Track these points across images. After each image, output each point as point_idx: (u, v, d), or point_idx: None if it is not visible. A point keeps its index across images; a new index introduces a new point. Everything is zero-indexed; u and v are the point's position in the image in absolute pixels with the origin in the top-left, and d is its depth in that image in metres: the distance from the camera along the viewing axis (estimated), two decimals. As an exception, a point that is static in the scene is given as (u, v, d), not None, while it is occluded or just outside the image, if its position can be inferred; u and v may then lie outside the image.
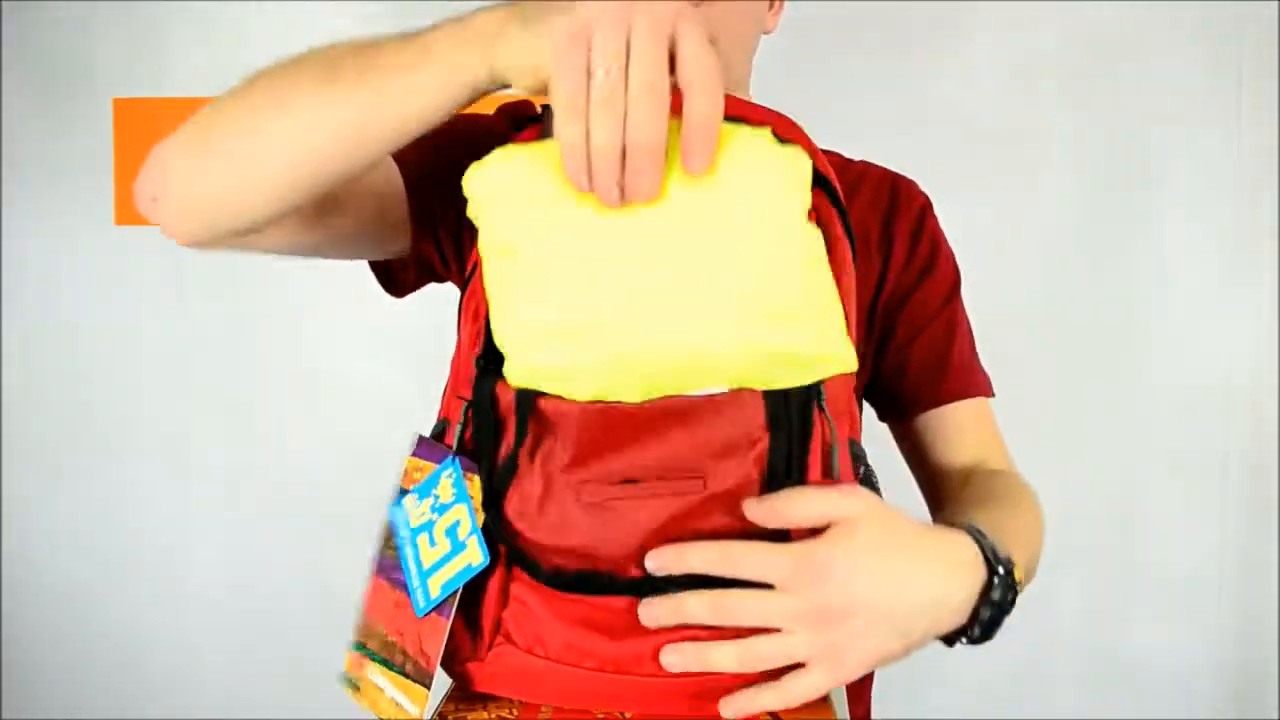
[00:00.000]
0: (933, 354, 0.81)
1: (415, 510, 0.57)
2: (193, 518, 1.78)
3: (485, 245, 0.52)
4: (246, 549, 1.77)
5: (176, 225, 0.61)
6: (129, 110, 1.73)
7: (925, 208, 0.84)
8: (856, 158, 0.86)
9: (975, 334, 0.86)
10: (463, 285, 0.59)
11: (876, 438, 0.74)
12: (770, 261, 0.50)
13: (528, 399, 0.51)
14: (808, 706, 0.53)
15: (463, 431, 0.56)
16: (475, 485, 0.54)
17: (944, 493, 0.79)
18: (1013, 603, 0.57)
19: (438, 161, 0.68)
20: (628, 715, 0.55)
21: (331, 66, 0.55)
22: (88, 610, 1.80)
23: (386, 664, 0.56)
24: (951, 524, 0.59)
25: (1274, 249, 1.58)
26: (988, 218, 1.55)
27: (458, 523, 0.54)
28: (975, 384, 0.83)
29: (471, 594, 0.55)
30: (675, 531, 0.52)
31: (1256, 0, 1.55)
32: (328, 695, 0.68)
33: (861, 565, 0.52)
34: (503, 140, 0.54)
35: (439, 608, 0.54)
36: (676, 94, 0.46)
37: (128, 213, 1.75)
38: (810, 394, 0.52)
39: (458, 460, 0.56)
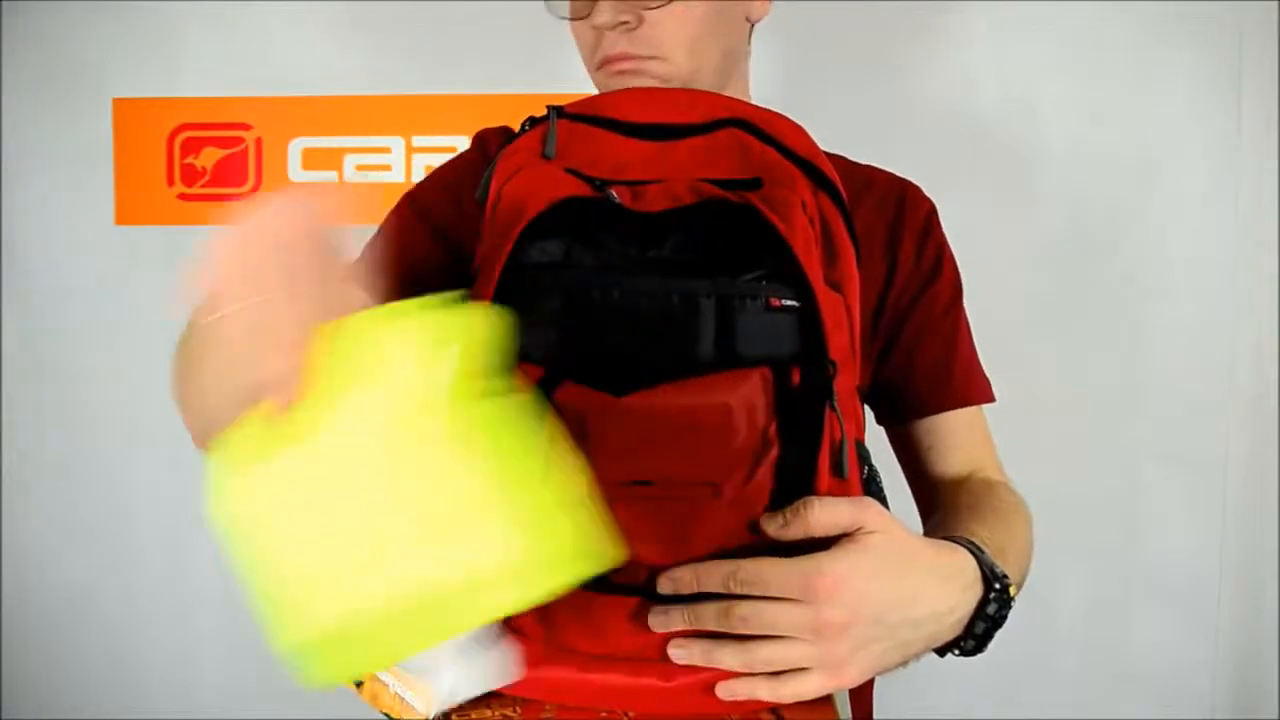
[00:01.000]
0: (937, 359, 0.82)
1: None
2: (193, 518, 1.76)
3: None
4: (247, 549, 1.76)
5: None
6: (129, 110, 1.74)
7: (931, 214, 0.85)
8: (861, 161, 0.86)
9: (975, 334, 0.86)
10: (466, 284, 0.60)
11: (871, 439, 0.74)
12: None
13: (544, 393, 0.52)
14: (811, 706, 0.54)
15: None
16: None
17: (939, 499, 0.81)
18: (1005, 617, 0.59)
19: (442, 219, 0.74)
20: (631, 714, 0.55)
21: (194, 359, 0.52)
22: (88, 610, 1.80)
23: (390, 662, 0.56)
24: (949, 536, 0.61)
25: (1274, 249, 1.58)
26: (988, 218, 1.55)
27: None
28: (978, 390, 0.84)
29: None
30: (685, 534, 0.52)
31: (1256, 0, 1.55)
32: (330, 693, 0.68)
33: (872, 582, 0.53)
34: (485, 167, 0.53)
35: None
36: None
37: (128, 212, 1.75)
38: (822, 393, 0.53)
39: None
